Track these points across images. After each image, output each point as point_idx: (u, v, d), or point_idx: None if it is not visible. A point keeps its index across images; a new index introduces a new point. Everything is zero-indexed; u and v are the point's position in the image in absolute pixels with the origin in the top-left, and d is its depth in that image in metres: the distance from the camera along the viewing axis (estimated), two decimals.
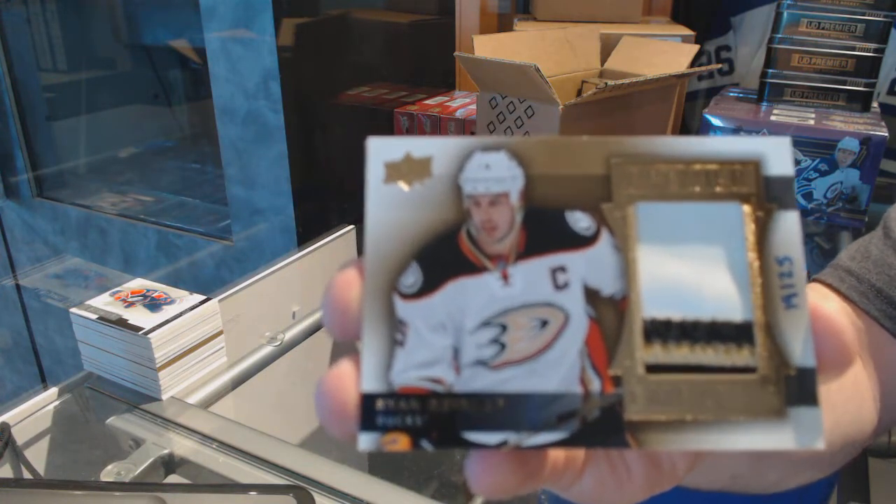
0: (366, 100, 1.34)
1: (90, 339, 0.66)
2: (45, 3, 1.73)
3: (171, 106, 1.85)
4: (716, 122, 1.02)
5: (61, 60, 1.81)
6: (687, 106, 1.43)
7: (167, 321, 0.64)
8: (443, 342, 0.18)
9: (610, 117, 0.97)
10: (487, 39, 0.94)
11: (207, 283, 1.44)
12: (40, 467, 0.65)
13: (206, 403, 0.68)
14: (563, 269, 0.18)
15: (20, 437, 0.63)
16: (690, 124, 1.49)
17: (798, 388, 0.18)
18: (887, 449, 0.64)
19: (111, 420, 0.62)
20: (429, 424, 0.18)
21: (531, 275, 0.18)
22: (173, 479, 0.59)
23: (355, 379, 0.18)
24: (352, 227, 1.03)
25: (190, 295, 0.68)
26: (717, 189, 0.19)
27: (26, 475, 0.62)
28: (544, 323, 0.18)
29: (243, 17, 1.16)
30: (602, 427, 0.18)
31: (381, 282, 0.18)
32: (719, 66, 1.47)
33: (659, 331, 0.18)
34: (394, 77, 1.43)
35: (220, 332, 0.70)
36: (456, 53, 0.95)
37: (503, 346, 0.18)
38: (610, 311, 0.18)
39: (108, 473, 0.55)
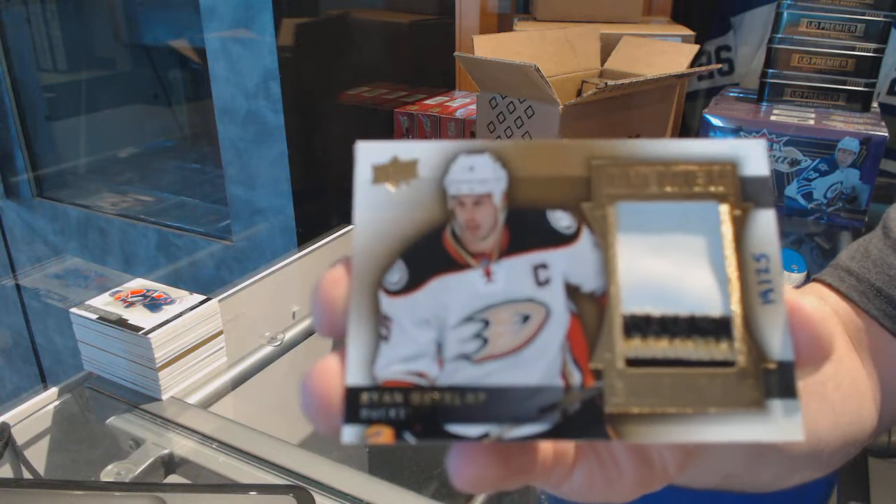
0: (366, 100, 1.34)
1: (90, 339, 0.66)
2: (45, 3, 1.73)
3: (171, 106, 1.85)
4: (716, 122, 1.02)
5: (61, 60, 1.81)
6: (687, 106, 1.43)
7: (167, 321, 0.64)
8: (427, 337, 0.19)
9: (610, 117, 0.97)
10: (487, 39, 0.94)
11: (207, 283, 1.44)
12: (40, 467, 0.65)
13: (206, 403, 0.68)
14: (544, 266, 0.19)
15: (20, 437, 0.63)
16: (690, 124, 1.49)
17: (777, 381, 0.18)
18: (887, 449, 0.64)
19: (111, 420, 0.62)
20: (412, 417, 0.18)
21: (513, 272, 0.19)
22: (173, 479, 0.59)
23: (340, 373, 0.18)
24: (352, 227, 1.03)
25: (190, 295, 0.68)
26: (695, 189, 0.19)
27: (26, 475, 0.62)
28: (526, 318, 0.19)
29: (243, 17, 1.16)
30: (583, 419, 0.18)
31: (368, 279, 0.19)
32: (719, 66, 1.47)
33: (639, 325, 0.19)
34: (394, 77, 1.43)
35: (220, 332, 0.70)
36: (456, 53, 0.95)
37: (486, 341, 0.19)
38: (591, 307, 0.19)
39: (108, 473, 0.55)
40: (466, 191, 0.19)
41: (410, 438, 0.18)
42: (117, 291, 0.68)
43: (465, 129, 1.18)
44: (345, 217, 1.10)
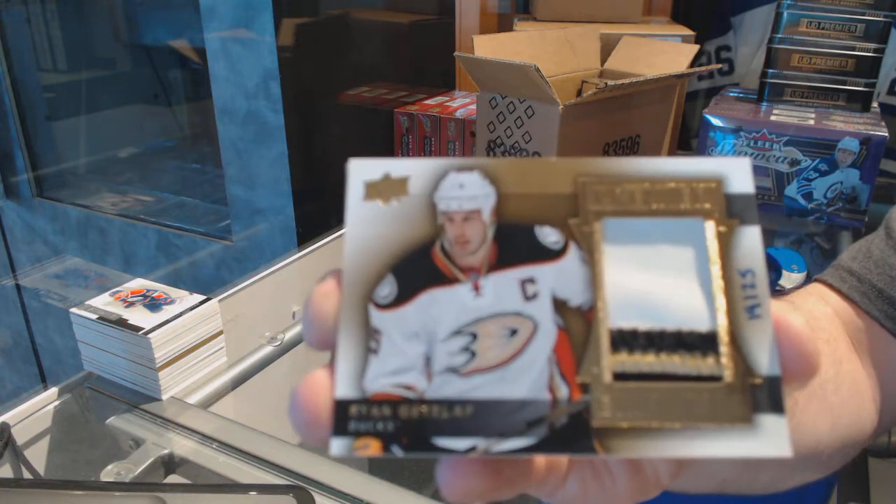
0: (366, 100, 1.34)
1: (90, 339, 0.66)
2: (45, 3, 1.73)
3: (171, 106, 1.85)
4: (716, 122, 1.02)
5: (61, 60, 1.81)
6: (687, 106, 1.43)
7: (167, 321, 0.64)
8: (415, 350, 0.19)
9: (610, 117, 0.97)
10: (487, 39, 0.94)
11: (207, 283, 1.44)
12: (40, 467, 0.65)
13: (206, 403, 0.68)
14: (532, 280, 0.19)
15: (20, 437, 0.63)
16: (690, 124, 1.49)
17: (764, 397, 0.18)
18: (887, 449, 0.64)
19: (111, 420, 0.62)
20: (400, 430, 0.18)
21: (501, 286, 0.19)
22: (173, 479, 0.59)
23: (329, 386, 0.18)
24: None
25: (190, 295, 0.68)
26: (682, 206, 0.20)
27: (26, 475, 0.62)
28: (514, 332, 0.19)
29: (243, 17, 1.16)
30: (569, 433, 0.18)
31: (358, 293, 0.19)
32: (719, 66, 1.47)
33: (626, 340, 0.19)
34: (394, 77, 1.43)
35: (220, 332, 0.70)
36: (456, 53, 0.95)
37: (474, 354, 0.19)
38: (578, 321, 0.19)
39: (108, 473, 0.55)
40: (456, 207, 0.20)
41: (398, 451, 0.18)
42: (117, 291, 0.68)
43: (465, 129, 1.18)
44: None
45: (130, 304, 0.66)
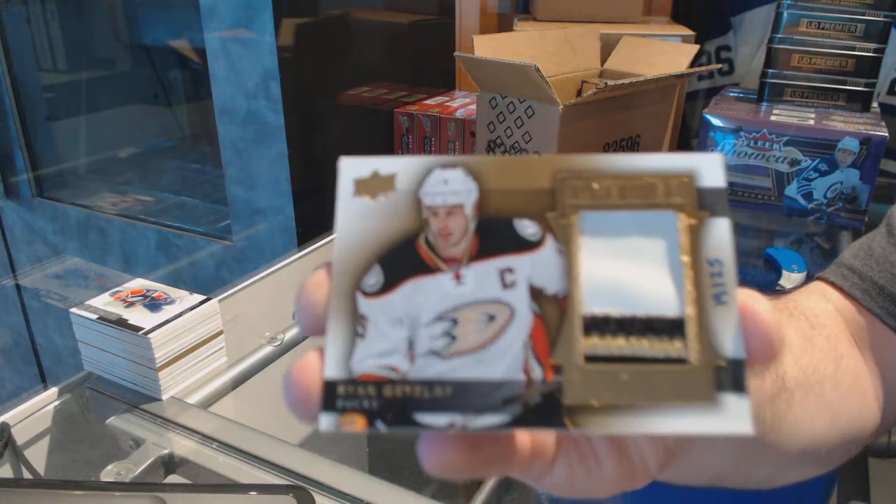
0: (366, 100, 1.34)
1: (90, 339, 0.66)
2: (45, 3, 1.73)
3: (171, 106, 1.85)
4: (716, 122, 1.02)
5: (61, 60, 1.81)
6: (687, 106, 1.43)
7: (167, 321, 0.64)
8: (399, 335, 0.20)
9: (610, 117, 0.97)
10: (487, 39, 0.94)
11: (207, 283, 1.44)
12: (40, 467, 0.65)
13: (206, 403, 0.68)
14: (510, 270, 0.20)
15: (20, 437, 0.63)
16: (690, 124, 1.49)
17: (728, 378, 0.19)
18: (887, 449, 0.64)
19: (111, 420, 0.62)
20: (384, 407, 0.19)
21: (481, 275, 0.20)
22: (173, 479, 0.59)
23: (319, 367, 0.20)
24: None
25: (190, 295, 0.68)
26: (655, 200, 0.21)
27: (26, 475, 0.62)
28: (492, 318, 0.20)
29: (243, 17, 1.16)
30: (542, 411, 0.19)
31: (347, 282, 0.20)
32: (719, 66, 1.47)
33: (598, 325, 0.20)
34: (394, 77, 1.43)
35: (220, 332, 0.70)
36: (456, 53, 0.95)
37: (454, 338, 0.20)
38: (553, 308, 0.20)
39: (108, 473, 0.55)
40: (440, 202, 0.21)
41: (382, 427, 0.19)
42: (117, 291, 0.68)
43: (465, 129, 1.18)
44: None
45: (130, 304, 0.66)
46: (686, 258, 0.20)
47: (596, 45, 1.09)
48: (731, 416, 0.19)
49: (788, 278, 0.84)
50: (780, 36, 1.07)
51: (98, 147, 1.89)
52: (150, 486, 0.54)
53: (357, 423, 0.19)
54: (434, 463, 0.20)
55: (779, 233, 1.02)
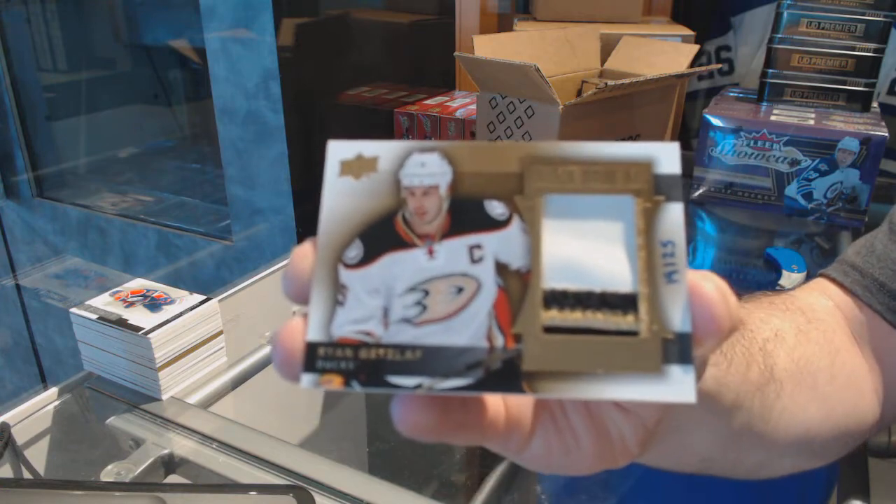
0: (366, 100, 1.34)
1: (90, 339, 0.66)
2: (45, 3, 1.73)
3: (171, 106, 1.85)
4: (716, 122, 1.02)
5: (61, 60, 1.81)
6: (687, 106, 1.43)
7: (167, 321, 0.64)
8: (376, 303, 0.22)
9: (610, 117, 0.97)
10: (487, 39, 0.94)
11: (207, 283, 1.44)
12: (40, 467, 0.65)
13: (206, 403, 0.68)
14: (479, 246, 0.22)
15: (20, 437, 0.63)
16: (690, 124, 1.49)
17: (675, 350, 0.21)
18: (887, 449, 0.64)
19: (111, 420, 0.62)
20: (359, 369, 0.21)
21: (452, 251, 0.22)
22: (173, 479, 0.59)
23: (302, 331, 0.21)
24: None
25: (190, 295, 0.68)
26: (615, 185, 0.22)
27: (26, 475, 0.62)
28: (460, 290, 0.22)
29: (243, 17, 1.16)
30: (502, 376, 0.21)
31: (330, 255, 0.22)
32: (719, 66, 1.47)
33: (557, 299, 0.21)
34: (394, 77, 1.43)
35: (220, 332, 0.70)
36: (456, 53, 0.95)
37: (425, 308, 0.21)
38: (516, 282, 0.22)
39: (108, 473, 0.55)
40: (417, 183, 0.22)
41: (357, 386, 0.21)
42: (117, 291, 0.68)
43: (465, 129, 1.18)
44: None
45: (130, 304, 0.66)
46: (641, 239, 0.22)
47: (596, 45, 1.09)
48: (676, 386, 0.20)
49: (788, 278, 0.84)
50: (780, 36, 1.07)
51: (98, 147, 1.89)
52: (150, 486, 0.54)
53: (334, 382, 0.21)
54: (405, 422, 0.21)
55: (779, 233, 1.02)
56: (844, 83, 1.06)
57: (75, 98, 1.84)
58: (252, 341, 0.79)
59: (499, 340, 0.21)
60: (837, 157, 0.96)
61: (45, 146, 1.78)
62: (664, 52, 1.03)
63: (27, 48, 1.73)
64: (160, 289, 0.69)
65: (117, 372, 0.66)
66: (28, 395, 0.65)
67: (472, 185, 0.22)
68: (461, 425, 0.22)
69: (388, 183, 0.23)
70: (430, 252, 0.22)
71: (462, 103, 1.27)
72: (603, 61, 1.10)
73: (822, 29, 1.04)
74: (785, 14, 1.05)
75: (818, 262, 0.92)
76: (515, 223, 0.22)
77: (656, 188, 0.22)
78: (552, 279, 0.21)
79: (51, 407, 0.65)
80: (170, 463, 0.59)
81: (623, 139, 1.01)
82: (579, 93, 1.08)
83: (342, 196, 0.23)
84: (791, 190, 1.01)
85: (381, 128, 1.27)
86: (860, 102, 1.06)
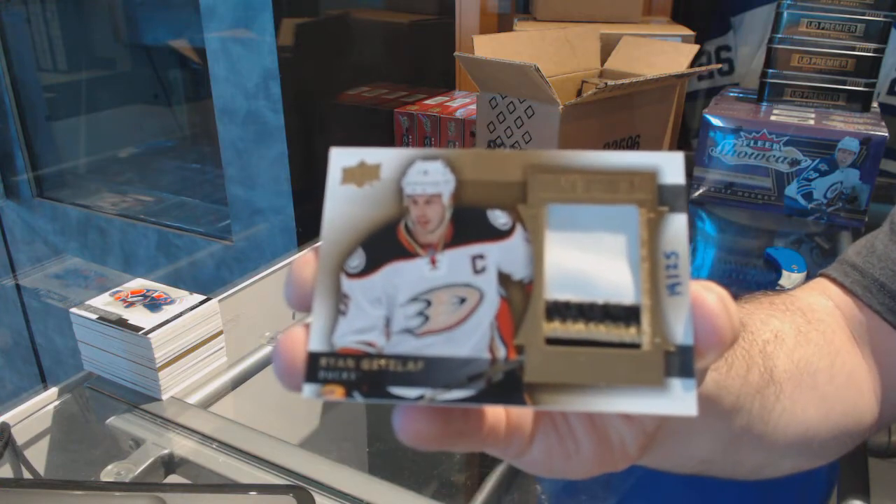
0: (366, 100, 1.34)
1: (90, 339, 0.66)
2: (45, 3, 1.73)
3: (171, 106, 1.85)
4: (716, 122, 1.02)
5: (61, 60, 1.81)
6: (687, 106, 1.43)
7: (167, 321, 0.64)
8: (378, 313, 0.22)
9: (610, 117, 0.97)
10: (487, 39, 0.94)
11: (207, 283, 1.44)
12: (40, 467, 0.65)
13: (206, 403, 0.68)
14: (481, 256, 0.22)
15: (20, 437, 0.63)
16: (690, 124, 1.49)
17: (676, 363, 0.20)
18: (887, 449, 0.64)
19: (111, 420, 0.62)
20: (361, 379, 0.21)
21: (455, 261, 0.22)
22: (173, 479, 0.59)
23: (304, 340, 0.21)
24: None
25: (190, 295, 0.68)
26: (618, 195, 0.22)
27: (26, 475, 0.62)
28: (463, 300, 0.22)
29: (243, 17, 1.16)
30: (504, 387, 0.21)
31: (332, 263, 0.22)
32: (719, 66, 1.47)
33: (559, 310, 0.21)
34: (394, 77, 1.43)
35: (220, 332, 0.70)
36: (456, 53, 0.95)
37: (427, 318, 0.21)
38: (518, 293, 0.21)
39: (108, 473, 0.55)
40: (420, 191, 0.22)
41: (359, 397, 0.21)
42: (117, 291, 0.68)
43: (465, 129, 1.18)
44: None
45: (130, 304, 0.66)
46: (644, 251, 0.21)
47: (596, 45, 1.09)
48: (677, 399, 0.20)
49: (788, 278, 0.84)
50: (780, 36, 1.07)
51: (98, 147, 1.89)
52: (150, 486, 0.54)
53: (336, 393, 0.21)
54: (406, 432, 0.21)
55: (779, 233, 1.02)
56: (844, 83, 1.06)
57: (75, 98, 1.84)
58: (252, 341, 0.79)
59: (501, 352, 0.21)
60: (837, 157, 0.96)
61: (45, 146, 1.78)
62: (664, 52, 1.03)
63: (27, 48, 1.73)
64: (160, 289, 0.69)
65: (117, 372, 0.66)
66: (28, 395, 0.65)
67: (474, 194, 0.22)
68: (462, 434, 0.23)
69: (390, 191, 0.22)
70: (433, 262, 0.22)
71: (462, 103, 1.27)
72: (603, 61, 1.10)
73: (822, 29, 1.04)
74: (785, 14, 1.05)
75: (818, 262, 0.92)
76: (518, 233, 0.22)
77: (660, 198, 0.22)
78: (555, 290, 0.21)
79: (51, 407, 0.65)
80: (170, 463, 0.59)
81: (623, 139, 1.01)
82: (579, 93, 1.08)
83: (344, 204, 0.23)
84: (791, 190, 1.01)
85: (381, 128, 1.27)
86: (860, 102, 1.06)
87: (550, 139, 0.91)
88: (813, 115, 1.03)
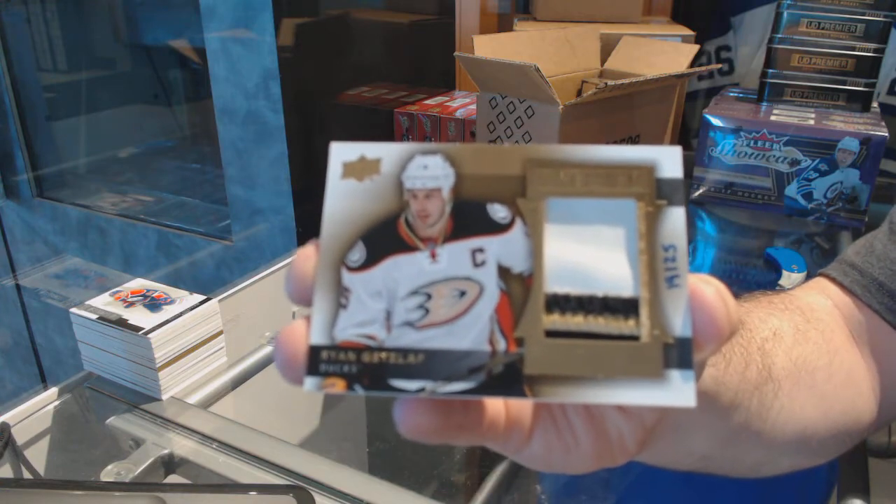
0: (366, 100, 1.34)
1: (90, 339, 0.66)
2: (45, 3, 1.73)
3: (171, 106, 1.85)
4: (716, 122, 1.02)
5: (61, 60, 1.81)
6: (687, 106, 1.43)
7: (167, 321, 0.64)
8: (378, 306, 0.22)
9: (610, 117, 0.97)
10: (487, 39, 0.94)
11: (207, 283, 1.44)
12: (40, 467, 0.65)
13: (206, 403, 0.68)
14: (481, 250, 0.22)
15: (20, 437, 0.63)
16: (690, 124, 1.49)
17: (675, 355, 0.21)
18: (887, 449, 0.64)
19: (111, 420, 0.62)
20: (362, 372, 0.21)
21: (455, 254, 0.22)
22: (173, 479, 0.59)
23: (305, 334, 0.21)
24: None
25: (190, 295, 0.68)
26: (617, 188, 0.22)
27: (26, 475, 0.62)
28: (463, 293, 0.22)
29: (243, 17, 1.16)
30: (504, 380, 0.21)
31: (332, 257, 0.22)
32: (719, 66, 1.47)
33: (559, 303, 0.21)
34: (394, 77, 1.43)
35: (220, 332, 0.70)
36: (456, 53, 0.95)
37: (427, 311, 0.22)
38: (518, 286, 0.22)
39: (108, 473, 0.55)
40: (419, 185, 0.22)
41: (360, 390, 0.21)
42: (117, 291, 0.68)
43: (465, 129, 1.18)
44: None
45: (130, 304, 0.66)
46: (643, 244, 0.22)
47: (596, 45, 1.09)
48: (676, 391, 0.20)
49: (788, 278, 0.84)
50: (780, 36, 1.07)
51: (98, 147, 1.89)
52: (150, 486, 0.54)
53: (337, 386, 0.21)
54: (406, 425, 0.21)
55: (779, 233, 1.02)
56: (844, 83, 1.06)
57: (75, 98, 1.84)
58: (252, 341, 0.79)
59: (501, 344, 0.21)
60: (837, 157, 0.96)
61: (45, 146, 1.78)
62: (664, 52, 1.03)
63: (27, 48, 1.73)
64: (160, 289, 0.69)
65: (117, 372, 0.66)
66: (28, 395, 0.65)
67: (474, 188, 0.22)
68: (462, 427, 0.23)
69: (390, 185, 0.23)
70: (433, 255, 0.22)
71: (462, 103, 1.27)
72: (603, 61, 1.10)
73: (822, 29, 1.04)
74: (785, 14, 1.05)
75: (818, 262, 0.92)
76: (518, 227, 0.22)
77: (658, 192, 0.22)
78: (554, 283, 0.22)
79: (51, 407, 0.65)
80: (170, 463, 0.59)
81: (623, 139, 1.01)
82: (579, 93, 1.08)
83: (345, 198, 0.23)
84: (791, 190, 1.01)
85: (381, 128, 1.27)
86: (860, 102, 1.06)
87: (550, 139, 0.91)
88: (813, 115, 1.03)
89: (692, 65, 1.00)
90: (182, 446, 0.59)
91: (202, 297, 0.68)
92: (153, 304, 0.66)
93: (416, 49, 1.50)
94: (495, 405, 0.24)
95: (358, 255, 0.22)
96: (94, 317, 0.64)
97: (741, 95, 1.16)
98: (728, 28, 1.46)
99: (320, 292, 0.22)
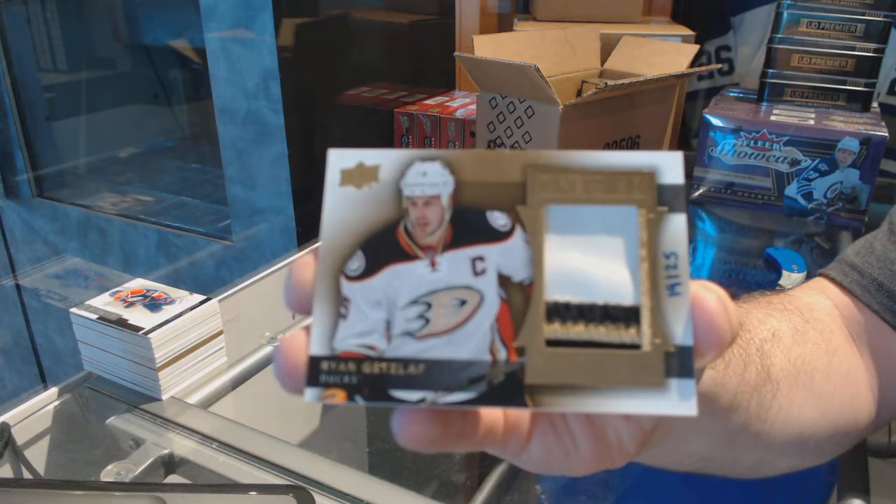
0: (366, 100, 1.34)
1: (90, 339, 0.66)
2: (45, 3, 1.73)
3: (171, 106, 1.85)
4: (716, 122, 1.02)
5: (61, 60, 1.81)
6: (687, 106, 1.43)
7: (167, 321, 0.64)
8: (378, 316, 0.21)
9: (610, 117, 0.97)
10: (487, 39, 0.94)
11: (207, 283, 1.44)
12: (40, 467, 0.65)
13: (206, 403, 0.68)
14: (481, 258, 0.22)
15: (20, 437, 0.63)
16: (690, 124, 1.49)
17: (676, 363, 0.21)
18: (887, 449, 0.64)
19: (111, 420, 0.62)
20: (362, 383, 0.21)
21: (454, 263, 0.22)
22: (173, 479, 0.59)
23: (305, 344, 0.21)
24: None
25: (190, 295, 0.68)
26: (617, 195, 0.22)
27: (26, 475, 0.62)
28: (463, 302, 0.21)
29: (243, 17, 1.16)
30: (505, 389, 0.21)
31: (331, 266, 0.22)
32: (719, 66, 1.47)
33: (559, 311, 0.21)
34: (394, 77, 1.43)
35: (220, 332, 0.70)
36: (456, 53, 0.95)
37: (427, 321, 0.21)
38: (519, 294, 0.21)
39: (108, 473, 0.55)
40: (419, 192, 0.22)
41: (360, 400, 0.21)
42: (117, 291, 0.68)
43: (465, 129, 1.18)
44: None
45: (130, 304, 0.66)
46: (644, 251, 0.21)
47: (596, 45, 1.09)
48: (677, 399, 0.20)
49: (788, 278, 0.84)
50: (780, 36, 1.07)
51: (98, 147, 1.89)
52: (150, 486, 0.54)
53: (338, 397, 0.21)
54: (406, 436, 0.21)
55: (779, 233, 1.02)
56: (844, 83, 1.06)
57: (75, 98, 1.84)
58: (252, 341, 0.79)
59: (501, 354, 0.21)
60: (837, 157, 0.96)
61: (45, 146, 1.78)
62: (664, 52, 1.03)
63: (27, 48, 1.73)
64: (160, 289, 0.69)
65: (117, 372, 0.66)
66: (28, 395, 0.65)
67: (473, 195, 0.22)
68: (460, 436, 0.23)
69: (389, 193, 0.22)
70: (433, 264, 0.22)
71: (462, 103, 1.27)
72: (603, 61, 1.10)
73: (822, 29, 1.04)
74: (785, 14, 1.05)
75: (818, 262, 0.92)
76: (518, 234, 0.22)
77: (659, 199, 0.22)
78: (555, 292, 0.21)
79: (51, 407, 0.65)
80: (170, 463, 0.59)
81: (623, 139, 1.01)
82: (579, 93, 1.08)
83: (343, 206, 0.22)
84: (791, 190, 1.01)
85: (381, 128, 1.27)
86: (860, 102, 1.06)
87: (550, 139, 0.91)
88: (813, 115, 1.03)
89: (692, 65, 1.00)
90: (182, 446, 0.59)
91: (202, 297, 0.68)
92: (153, 304, 0.66)
93: (416, 49, 1.50)
94: (493, 413, 0.24)
95: (357, 263, 0.22)
96: (94, 317, 0.64)
97: (741, 95, 1.16)
98: (728, 28, 1.46)
99: (320, 302, 0.22)
